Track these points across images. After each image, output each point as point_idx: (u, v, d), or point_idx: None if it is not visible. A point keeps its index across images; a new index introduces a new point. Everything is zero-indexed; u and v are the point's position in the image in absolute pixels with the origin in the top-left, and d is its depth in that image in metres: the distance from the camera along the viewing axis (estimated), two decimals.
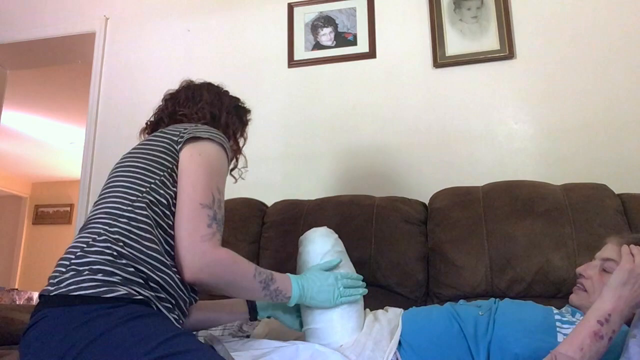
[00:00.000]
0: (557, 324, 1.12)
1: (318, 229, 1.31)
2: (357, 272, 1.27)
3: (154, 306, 0.93)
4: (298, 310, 1.23)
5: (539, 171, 1.96)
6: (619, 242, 1.17)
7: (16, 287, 6.07)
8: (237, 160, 1.37)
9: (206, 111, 1.25)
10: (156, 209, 0.99)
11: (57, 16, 2.83)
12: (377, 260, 1.65)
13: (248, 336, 1.22)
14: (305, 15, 2.38)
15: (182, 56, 2.53)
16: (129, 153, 1.10)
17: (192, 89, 1.30)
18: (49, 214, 6.81)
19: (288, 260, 1.69)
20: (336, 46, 2.31)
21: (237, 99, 1.36)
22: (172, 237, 1.00)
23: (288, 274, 1.14)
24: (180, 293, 1.00)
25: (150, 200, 0.99)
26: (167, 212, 1.01)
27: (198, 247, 0.97)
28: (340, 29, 2.32)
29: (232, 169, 1.36)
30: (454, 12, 2.20)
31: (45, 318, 0.87)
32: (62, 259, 0.95)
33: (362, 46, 2.28)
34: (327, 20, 2.35)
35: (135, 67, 2.60)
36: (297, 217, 1.79)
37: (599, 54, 2.03)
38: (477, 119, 2.09)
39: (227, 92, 1.36)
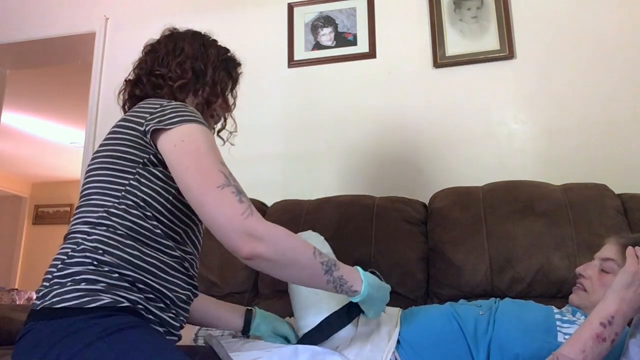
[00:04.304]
0: (558, 323, 1.12)
1: (303, 233, 1.29)
2: None
3: (143, 311, 0.89)
4: (287, 338, 1.20)
5: (539, 171, 1.95)
6: (617, 242, 1.18)
7: (16, 287, 6.06)
8: (225, 121, 1.26)
9: (187, 67, 1.11)
10: (135, 211, 0.94)
11: (57, 16, 2.82)
12: (377, 260, 1.65)
13: (248, 337, 1.22)
14: (305, 15, 2.37)
15: None
16: (98, 152, 1.01)
17: (173, 39, 1.15)
18: (49, 214, 6.81)
19: None
20: (336, 46, 2.31)
21: (226, 50, 1.23)
22: (155, 238, 0.95)
23: (357, 267, 1.05)
24: (175, 290, 0.96)
25: (128, 204, 0.94)
26: (148, 212, 0.95)
27: (244, 226, 0.88)
28: (340, 29, 2.32)
29: (220, 130, 1.26)
30: (454, 12, 2.20)
31: (30, 331, 0.86)
32: (46, 272, 0.93)
33: (362, 46, 2.27)
34: (327, 20, 2.34)
35: None
36: (297, 217, 1.79)
37: (598, 53, 2.02)
38: (477, 119, 2.09)
39: (214, 41, 1.21)
